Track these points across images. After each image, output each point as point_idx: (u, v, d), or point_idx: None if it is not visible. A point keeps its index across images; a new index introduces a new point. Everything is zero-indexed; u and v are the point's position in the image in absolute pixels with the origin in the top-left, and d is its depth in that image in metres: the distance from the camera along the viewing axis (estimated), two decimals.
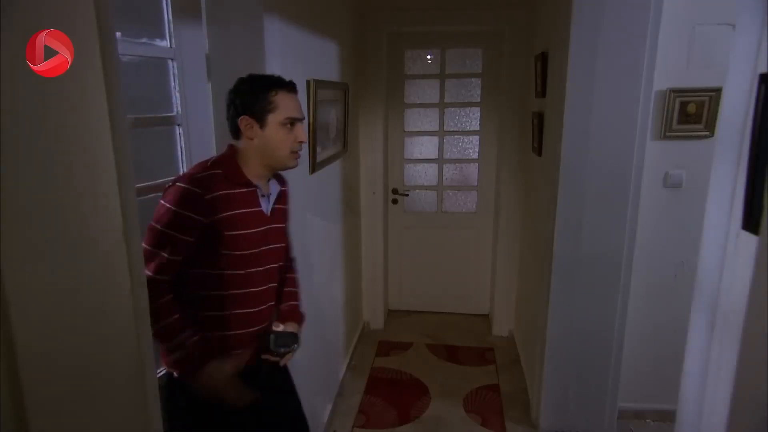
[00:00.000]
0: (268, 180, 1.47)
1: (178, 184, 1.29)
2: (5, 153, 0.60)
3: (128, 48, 1.53)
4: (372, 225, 3.61)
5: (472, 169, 3.70)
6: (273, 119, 1.36)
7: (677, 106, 2.29)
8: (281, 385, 1.58)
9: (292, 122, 1.39)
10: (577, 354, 2.43)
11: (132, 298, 0.85)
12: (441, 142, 3.65)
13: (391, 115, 3.60)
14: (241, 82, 1.40)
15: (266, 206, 1.43)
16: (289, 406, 1.60)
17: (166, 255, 1.25)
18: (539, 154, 2.73)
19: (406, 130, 3.67)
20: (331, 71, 2.62)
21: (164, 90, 1.70)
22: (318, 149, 2.27)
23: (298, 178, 1.88)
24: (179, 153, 1.77)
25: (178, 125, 1.75)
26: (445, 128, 3.63)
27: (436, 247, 3.81)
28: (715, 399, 0.94)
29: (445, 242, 3.79)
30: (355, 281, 3.38)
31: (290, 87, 1.41)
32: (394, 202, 3.73)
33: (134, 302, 0.86)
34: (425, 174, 3.74)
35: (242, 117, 1.36)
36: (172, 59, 1.68)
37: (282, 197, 1.52)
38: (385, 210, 3.65)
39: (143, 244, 1.24)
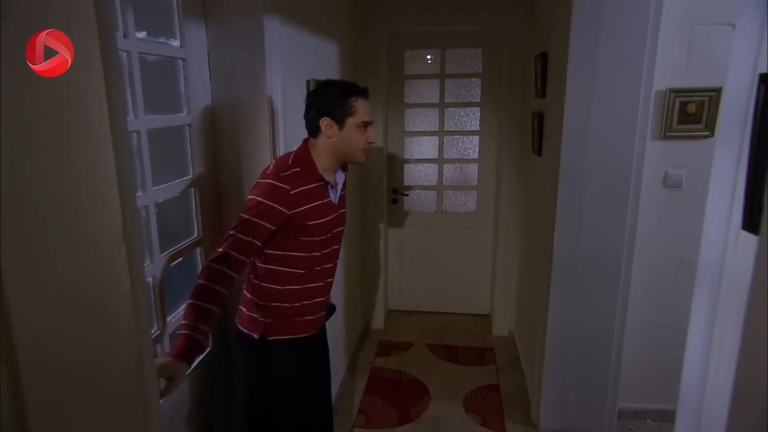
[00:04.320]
0: (335, 171, 1.65)
1: (268, 180, 1.49)
2: (5, 153, 0.60)
3: (150, 47, 1.53)
4: (372, 225, 3.61)
5: (472, 169, 3.70)
6: (351, 122, 1.55)
7: (677, 106, 2.29)
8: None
9: (366, 125, 1.57)
10: (577, 354, 2.43)
11: (132, 298, 0.85)
12: (441, 142, 3.65)
13: (391, 115, 3.60)
14: (326, 86, 1.60)
15: (334, 196, 1.64)
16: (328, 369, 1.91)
17: (250, 239, 1.45)
18: (539, 154, 2.73)
19: (406, 130, 3.67)
20: (331, 71, 2.62)
21: (175, 89, 1.70)
22: None
23: None
24: (189, 152, 1.77)
25: (189, 125, 1.75)
26: (445, 128, 3.63)
27: (436, 247, 3.81)
28: (715, 399, 0.94)
29: (445, 242, 3.79)
30: (355, 281, 3.38)
31: (365, 93, 1.59)
32: (394, 202, 3.73)
33: (134, 302, 0.86)
34: (425, 174, 3.74)
35: (324, 118, 1.54)
36: (183, 59, 1.68)
37: (344, 184, 1.72)
38: (385, 210, 3.65)
39: (231, 232, 1.45)
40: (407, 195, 3.75)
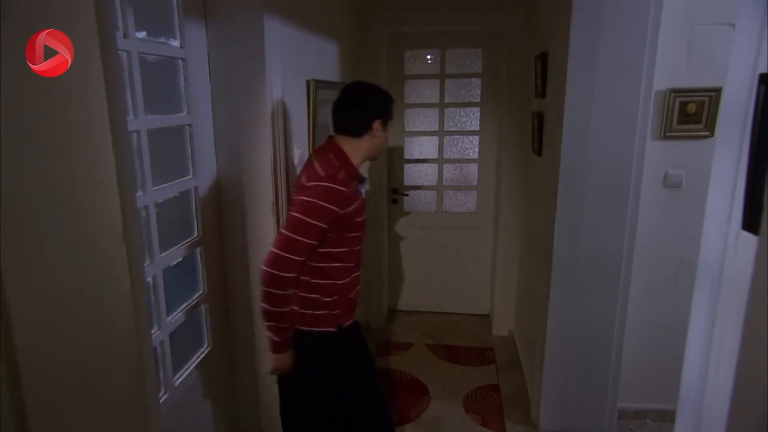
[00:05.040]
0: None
1: (324, 183, 1.54)
2: (5, 153, 0.60)
3: (150, 47, 1.53)
4: (372, 225, 3.61)
5: (472, 169, 3.69)
6: (390, 124, 1.73)
7: (677, 106, 2.29)
8: None
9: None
10: (577, 354, 2.43)
11: (132, 298, 0.85)
12: (441, 142, 3.65)
13: None
14: (374, 90, 1.70)
15: (363, 191, 1.73)
16: None
17: (308, 240, 1.52)
18: (539, 154, 2.73)
19: (406, 130, 3.67)
20: (330, 71, 2.62)
21: (175, 89, 1.70)
22: None
23: None
24: (189, 152, 1.77)
25: (189, 125, 1.74)
26: (445, 128, 3.63)
27: (436, 247, 3.81)
28: (715, 399, 0.94)
29: (445, 242, 3.79)
30: None
31: None
32: (394, 202, 3.73)
33: (134, 302, 0.86)
34: (425, 174, 3.74)
35: (377, 120, 1.65)
36: (183, 59, 1.68)
37: None
38: (385, 210, 3.65)
39: (286, 232, 1.51)
40: (407, 195, 3.75)
